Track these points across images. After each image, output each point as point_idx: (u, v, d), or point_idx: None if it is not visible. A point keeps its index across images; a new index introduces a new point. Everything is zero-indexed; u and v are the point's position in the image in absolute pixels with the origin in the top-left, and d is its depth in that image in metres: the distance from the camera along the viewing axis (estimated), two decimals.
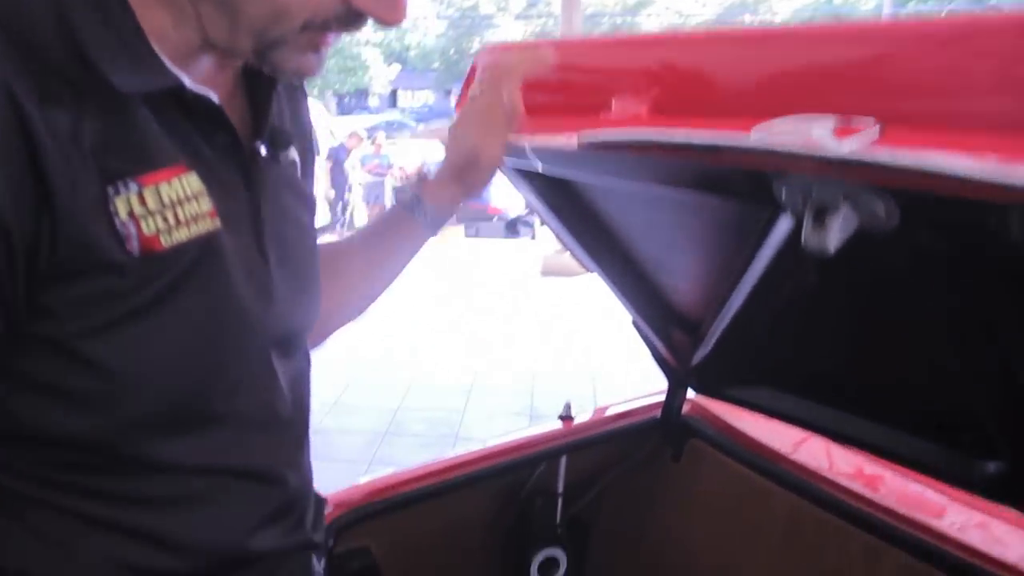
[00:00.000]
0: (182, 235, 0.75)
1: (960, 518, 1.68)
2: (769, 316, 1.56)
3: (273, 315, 0.87)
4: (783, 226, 1.22)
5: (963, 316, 1.20)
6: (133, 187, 0.72)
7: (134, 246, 0.72)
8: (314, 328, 1.02)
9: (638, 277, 1.77)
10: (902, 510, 1.68)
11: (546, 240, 10.09)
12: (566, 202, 1.63)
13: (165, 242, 0.74)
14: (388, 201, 13.25)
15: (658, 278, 1.77)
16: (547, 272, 9.52)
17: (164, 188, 0.74)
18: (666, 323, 1.83)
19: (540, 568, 2.15)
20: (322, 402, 5.58)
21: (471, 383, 6.05)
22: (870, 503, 1.73)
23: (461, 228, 12.95)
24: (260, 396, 0.88)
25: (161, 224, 0.73)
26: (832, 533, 1.78)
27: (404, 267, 1.23)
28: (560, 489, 2.12)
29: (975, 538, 1.60)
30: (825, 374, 1.63)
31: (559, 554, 2.16)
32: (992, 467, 1.38)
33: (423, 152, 13.92)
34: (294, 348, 0.95)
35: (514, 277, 9.75)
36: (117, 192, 0.71)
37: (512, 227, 13.62)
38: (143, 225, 0.72)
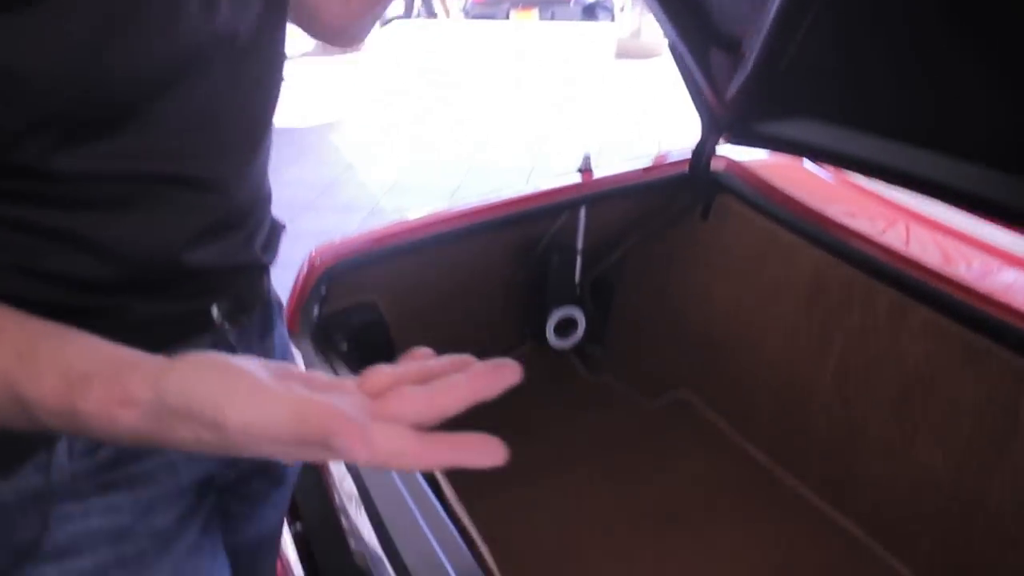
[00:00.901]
0: None
1: (989, 272, 1.53)
2: (810, 28, 1.38)
3: None
4: None
5: None
6: None
7: None
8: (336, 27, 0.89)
9: None
10: (930, 265, 1.54)
11: (624, 23, 9.61)
12: None
13: None
14: None
15: None
16: (621, 54, 9.16)
17: None
18: (705, 41, 1.63)
19: (557, 328, 2.10)
20: (380, 183, 5.54)
21: (531, 166, 5.92)
22: (898, 258, 1.58)
23: (535, 12, 12.41)
24: (189, 92, 0.74)
25: None
26: (858, 290, 1.66)
27: None
28: (579, 246, 2.02)
29: (1004, 292, 1.46)
30: (869, 98, 1.45)
31: (577, 314, 2.10)
32: None
33: None
34: (240, 35, 0.77)
35: (589, 59, 9.39)
36: None
37: (590, 11, 12.99)
38: None
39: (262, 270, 0.93)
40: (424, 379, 0.55)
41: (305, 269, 1.73)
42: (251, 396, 0.52)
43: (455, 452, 0.51)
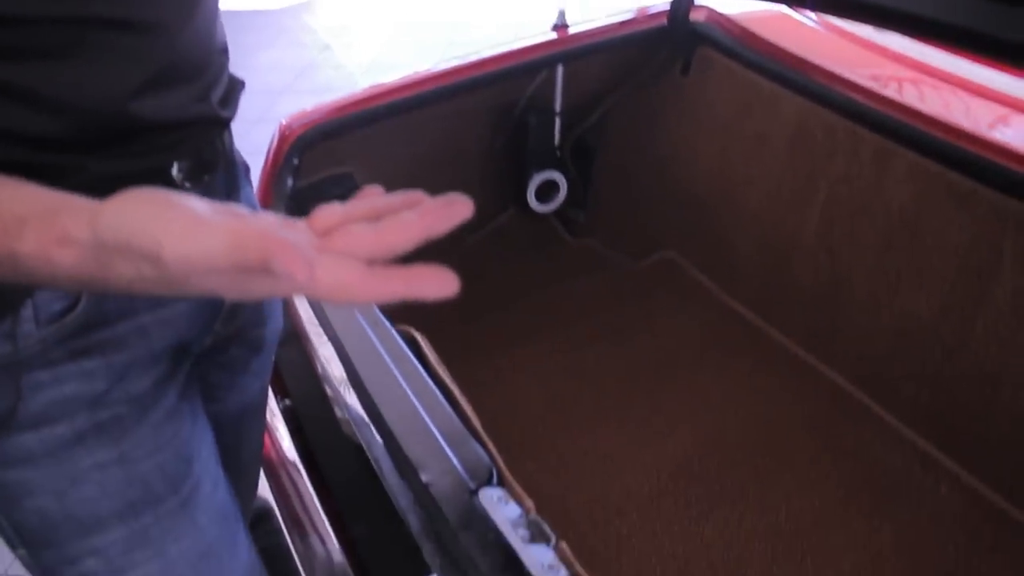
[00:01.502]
0: None
1: (974, 112, 1.50)
2: None
3: None
4: None
5: None
6: None
7: None
8: None
9: None
10: (914, 107, 1.50)
11: None
12: None
13: None
14: None
15: None
16: None
17: None
18: None
19: (538, 193, 2.06)
20: (358, 64, 5.41)
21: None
22: (881, 101, 1.54)
23: None
24: None
25: None
26: (841, 136, 1.62)
27: None
28: (558, 107, 1.97)
29: (988, 132, 1.42)
30: None
31: (558, 178, 2.06)
32: None
33: None
34: None
35: None
36: None
37: None
38: None
39: (221, 125, 0.89)
40: (375, 217, 0.53)
41: (276, 139, 1.68)
42: (188, 226, 0.49)
43: (405, 284, 0.49)
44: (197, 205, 0.51)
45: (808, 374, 1.79)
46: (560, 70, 1.90)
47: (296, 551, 1.50)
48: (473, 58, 1.81)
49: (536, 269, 2.08)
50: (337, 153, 1.74)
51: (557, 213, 2.15)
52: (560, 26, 1.86)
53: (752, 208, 1.85)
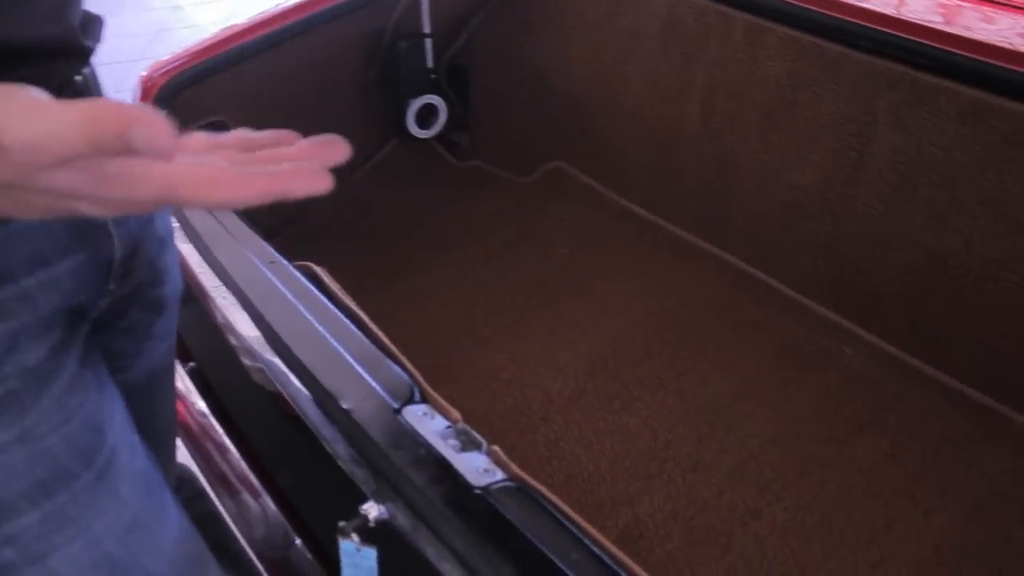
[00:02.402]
0: None
1: None
2: None
3: None
4: None
5: None
6: None
7: None
8: None
9: None
10: None
11: None
12: None
13: None
14: None
15: None
16: None
17: None
18: None
19: (419, 119, 2.02)
20: (214, 21, 5.22)
21: None
22: None
23: None
24: None
25: None
26: (712, 20, 1.63)
27: None
28: (427, 29, 1.93)
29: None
30: None
31: (436, 102, 2.02)
32: None
33: None
34: None
35: None
36: None
37: None
38: None
39: (82, 54, 0.83)
40: (247, 150, 0.50)
41: (139, 93, 1.60)
42: (32, 110, 0.44)
43: (273, 181, 0.46)
44: (41, 94, 0.47)
45: (707, 261, 1.82)
46: None
47: (227, 512, 1.46)
48: None
49: (427, 196, 2.05)
50: (205, 101, 1.67)
51: (440, 138, 2.12)
52: None
53: (632, 105, 1.86)
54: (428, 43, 1.94)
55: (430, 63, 1.97)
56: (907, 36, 1.42)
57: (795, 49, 1.54)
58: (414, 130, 2.01)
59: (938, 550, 1.30)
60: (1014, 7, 1.47)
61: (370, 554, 1.03)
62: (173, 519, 0.94)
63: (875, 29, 1.43)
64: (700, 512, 1.36)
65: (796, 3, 1.50)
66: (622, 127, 1.90)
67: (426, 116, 2.03)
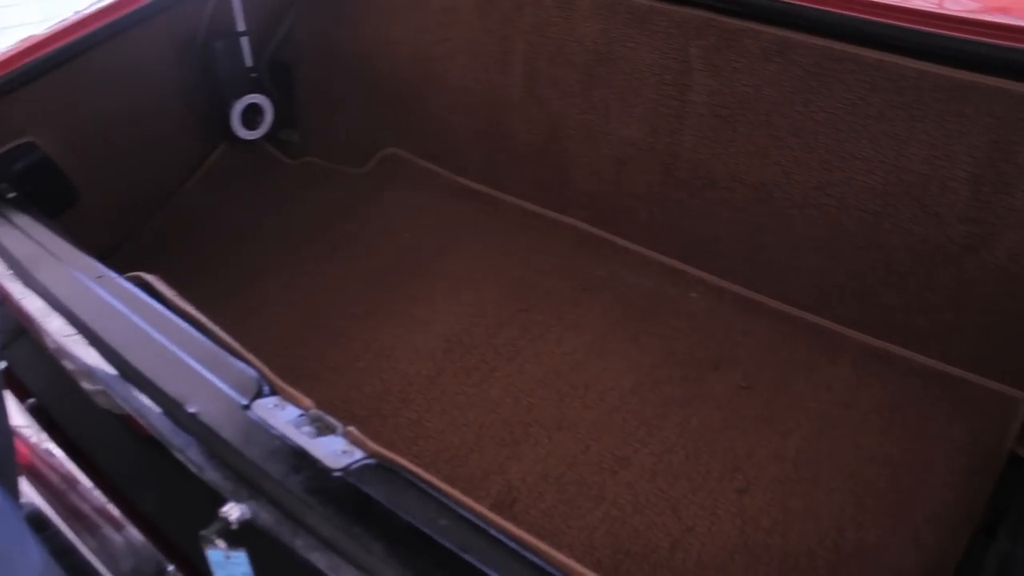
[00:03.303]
0: None
1: None
2: None
3: None
4: None
5: None
6: None
7: None
8: None
9: None
10: None
11: None
12: None
13: None
14: None
15: None
16: None
17: None
18: None
19: (245, 120, 1.97)
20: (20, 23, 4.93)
21: None
22: None
23: None
24: None
25: None
26: None
27: None
28: (241, 27, 1.87)
29: None
30: None
31: (261, 101, 1.97)
32: None
33: None
34: None
35: None
36: None
37: None
38: None
39: None
40: None
41: None
42: None
43: None
44: None
45: (549, 226, 1.84)
46: None
47: (89, 549, 1.39)
48: None
49: (263, 198, 2.00)
50: (10, 122, 1.57)
51: (270, 137, 2.07)
52: None
53: (457, 81, 1.86)
54: (245, 41, 1.89)
55: (249, 62, 1.92)
56: None
57: (606, 7, 1.57)
58: (241, 132, 1.96)
59: (797, 467, 1.36)
60: None
61: (240, 558, 0.99)
62: (34, 552, 0.89)
63: None
64: (570, 469, 1.37)
65: None
66: (450, 104, 1.90)
67: (252, 116, 1.97)
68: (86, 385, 1.34)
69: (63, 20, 1.63)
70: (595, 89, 1.65)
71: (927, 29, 1.30)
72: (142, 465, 1.38)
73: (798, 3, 1.40)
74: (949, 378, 1.47)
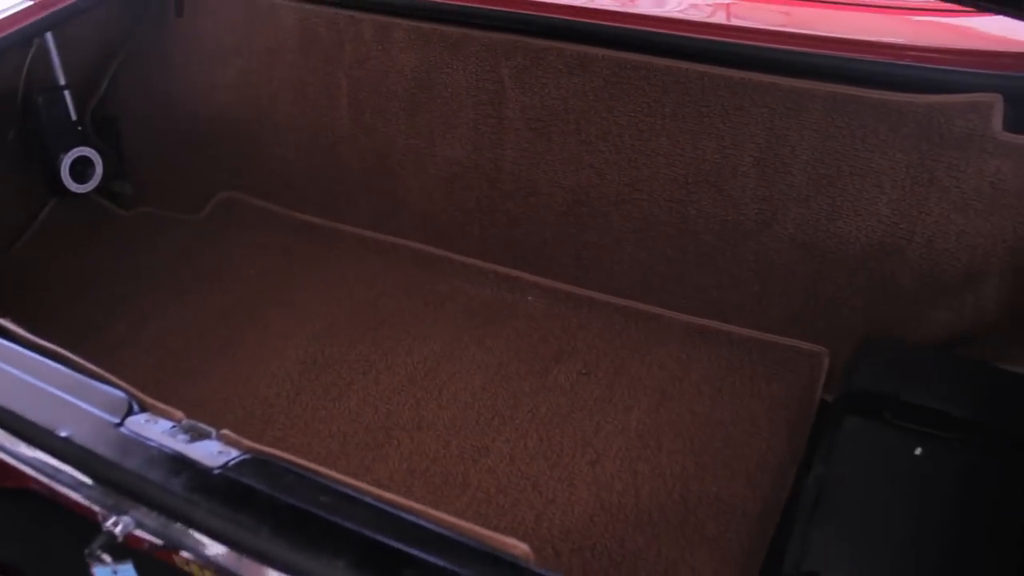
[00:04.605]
0: None
1: None
2: None
3: None
4: None
5: None
6: None
7: None
8: None
9: None
10: None
11: None
12: None
13: None
14: None
15: None
16: None
17: None
18: None
19: (74, 174, 1.97)
20: None
21: None
22: None
23: None
24: None
25: None
26: (344, 26, 1.77)
27: None
28: (62, 80, 1.89)
29: None
30: None
31: (90, 153, 1.98)
32: None
33: None
34: None
35: None
36: None
37: None
38: None
39: None
40: None
41: None
42: None
43: None
44: None
45: (388, 250, 1.94)
46: (51, 39, 1.81)
47: None
48: None
49: (101, 251, 2.00)
50: None
51: (101, 190, 2.07)
52: None
53: (285, 120, 1.93)
54: (67, 94, 1.90)
55: (74, 115, 1.93)
56: (513, 10, 1.62)
57: (421, 37, 1.69)
58: (72, 186, 1.96)
59: (641, 436, 1.49)
60: None
61: (127, 570, 1.02)
62: None
63: (486, 8, 1.62)
64: (433, 463, 1.46)
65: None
66: (280, 142, 1.97)
67: (83, 170, 1.98)
68: None
69: None
70: (418, 114, 1.76)
71: (704, 36, 1.49)
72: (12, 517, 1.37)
73: (594, 21, 1.57)
74: (763, 343, 1.65)
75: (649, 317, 1.73)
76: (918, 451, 1.21)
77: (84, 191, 2.00)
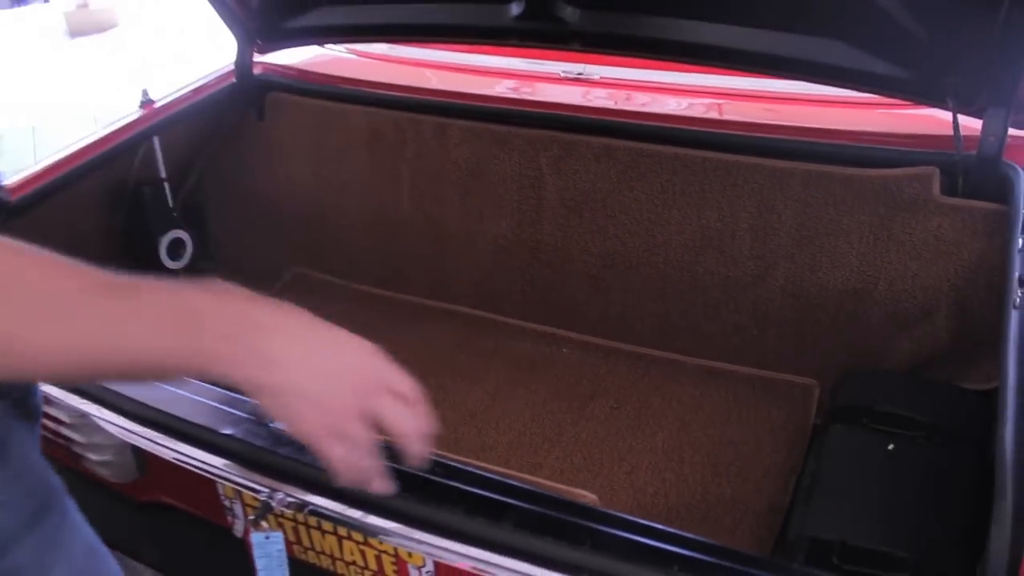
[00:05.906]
0: None
1: (492, 85, 2.09)
2: None
3: None
4: None
5: None
6: None
7: None
8: None
9: None
10: (457, 91, 2.07)
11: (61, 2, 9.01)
12: None
13: None
14: None
15: None
16: (76, 32, 8.67)
17: None
18: None
19: (170, 253, 2.31)
20: None
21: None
22: (428, 92, 2.09)
23: None
24: None
25: None
26: (406, 126, 2.12)
27: None
28: (163, 174, 2.24)
29: (506, 94, 2.02)
30: None
31: (183, 235, 2.32)
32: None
33: None
34: None
35: (37, 44, 8.73)
36: None
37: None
38: None
39: None
40: None
41: None
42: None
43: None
44: None
45: (439, 314, 2.27)
46: (157, 141, 2.17)
47: None
48: (69, 152, 1.99)
49: None
50: None
51: (190, 269, 2.40)
52: (146, 102, 2.14)
53: (353, 205, 2.29)
54: (167, 185, 2.25)
55: (171, 203, 2.28)
56: (549, 111, 2.01)
57: (472, 135, 2.06)
58: (167, 262, 2.29)
59: (667, 453, 1.81)
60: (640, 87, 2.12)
61: (277, 537, 1.29)
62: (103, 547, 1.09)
63: (527, 110, 2.00)
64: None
65: (467, 102, 2.04)
66: (348, 225, 2.32)
67: (176, 250, 2.32)
68: (92, 456, 1.60)
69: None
70: (469, 198, 2.12)
71: (704, 129, 1.87)
72: (140, 529, 1.64)
73: (616, 119, 1.95)
74: (763, 379, 1.98)
75: (667, 362, 2.06)
76: (891, 447, 1.52)
77: (177, 267, 2.34)
